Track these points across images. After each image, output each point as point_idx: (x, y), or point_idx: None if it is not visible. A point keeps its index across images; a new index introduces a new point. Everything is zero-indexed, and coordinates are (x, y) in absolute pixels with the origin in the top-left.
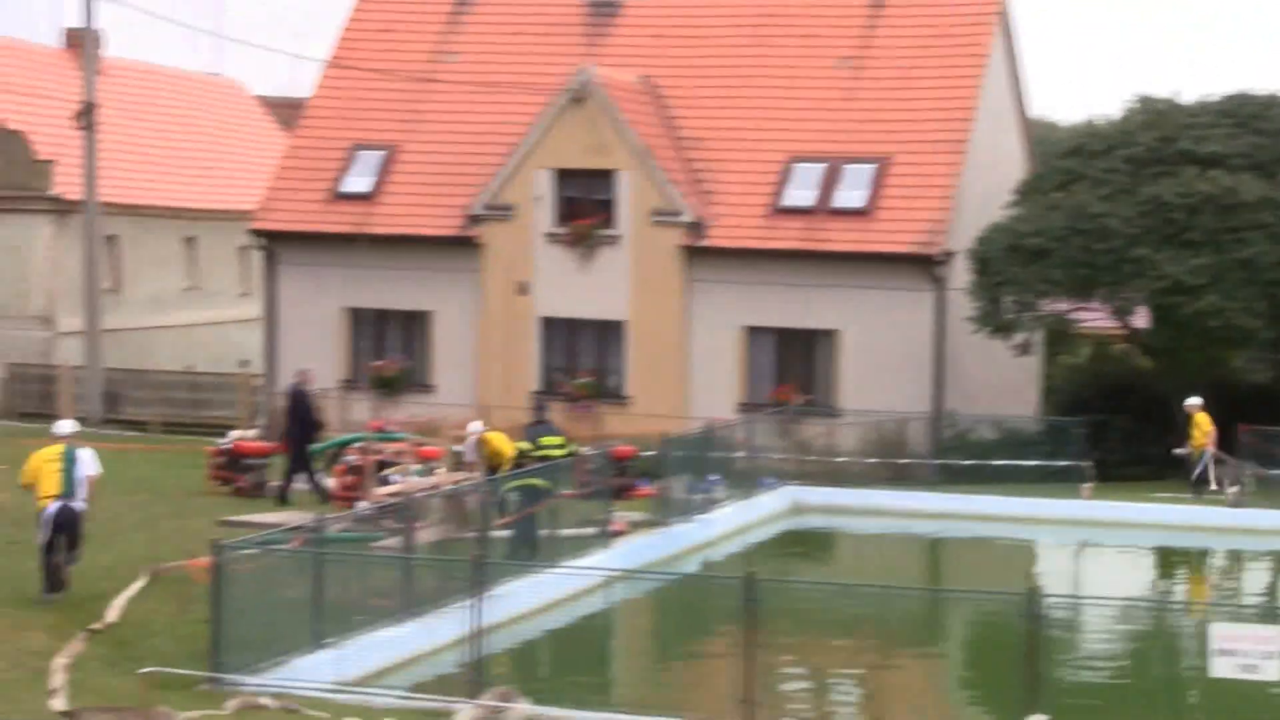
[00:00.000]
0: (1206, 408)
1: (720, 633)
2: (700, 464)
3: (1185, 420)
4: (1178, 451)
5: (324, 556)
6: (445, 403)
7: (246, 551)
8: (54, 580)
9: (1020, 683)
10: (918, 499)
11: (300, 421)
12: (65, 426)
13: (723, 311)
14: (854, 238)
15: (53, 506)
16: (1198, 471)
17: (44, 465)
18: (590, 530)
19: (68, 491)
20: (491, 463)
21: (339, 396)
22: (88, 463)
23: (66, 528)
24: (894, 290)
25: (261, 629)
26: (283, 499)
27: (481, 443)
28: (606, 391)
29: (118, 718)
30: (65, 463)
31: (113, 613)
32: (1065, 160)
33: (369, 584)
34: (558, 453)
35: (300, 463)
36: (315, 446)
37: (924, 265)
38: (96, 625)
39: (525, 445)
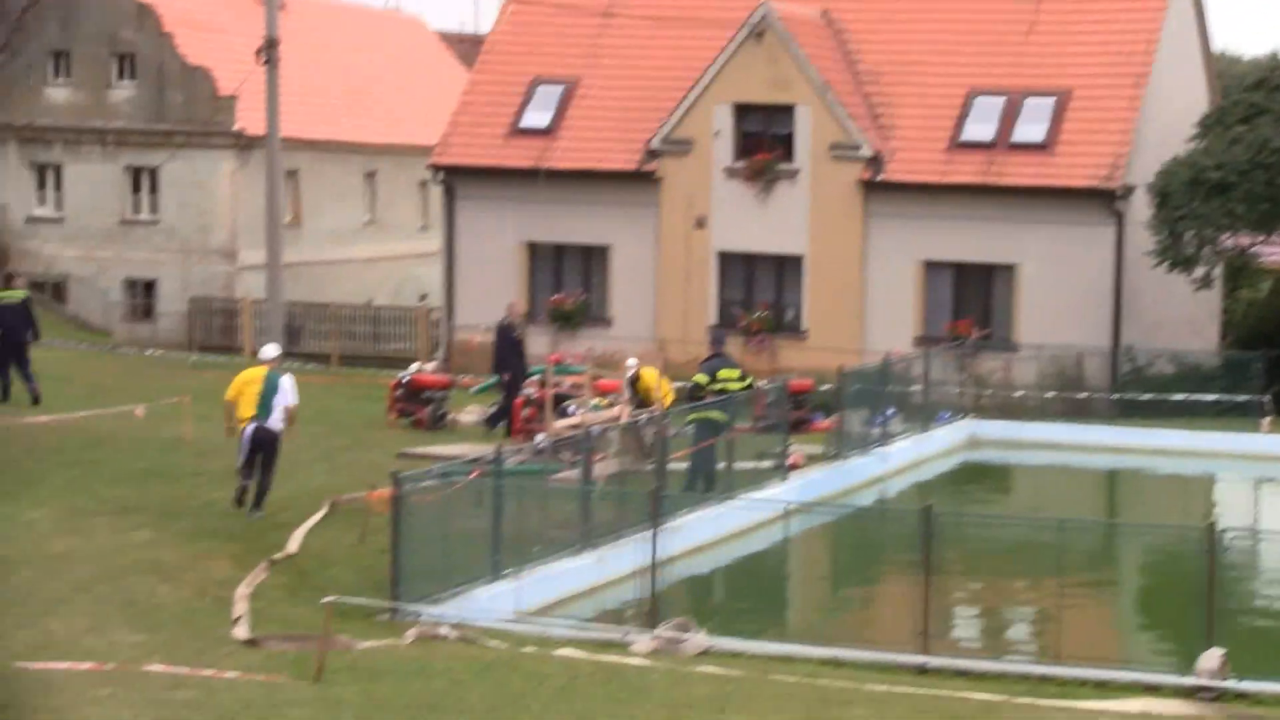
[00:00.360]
0: None
1: (896, 565)
2: (877, 398)
3: None
4: None
5: (503, 488)
6: (623, 336)
7: (426, 483)
8: (241, 498)
9: (1197, 617)
10: (1095, 433)
11: (512, 354)
12: (270, 351)
13: (901, 246)
14: (1034, 172)
15: (250, 428)
16: None
17: (245, 387)
18: (767, 463)
19: (263, 414)
20: (644, 399)
21: (518, 328)
22: (287, 391)
23: (262, 448)
24: (1073, 225)
25: (440, 560)
26: (493, 425)
27: (634, 380)
28: (783, 325)
29: (298, 646)
30: (265, 387)
31: (294, 543)
32: (1249, 94)
33: (547, 516)
34: (735, 386)
35: (512, 395)
36: (485, 383)
37: (1104, 199)
38: (278, 555)
39: (702, 379)
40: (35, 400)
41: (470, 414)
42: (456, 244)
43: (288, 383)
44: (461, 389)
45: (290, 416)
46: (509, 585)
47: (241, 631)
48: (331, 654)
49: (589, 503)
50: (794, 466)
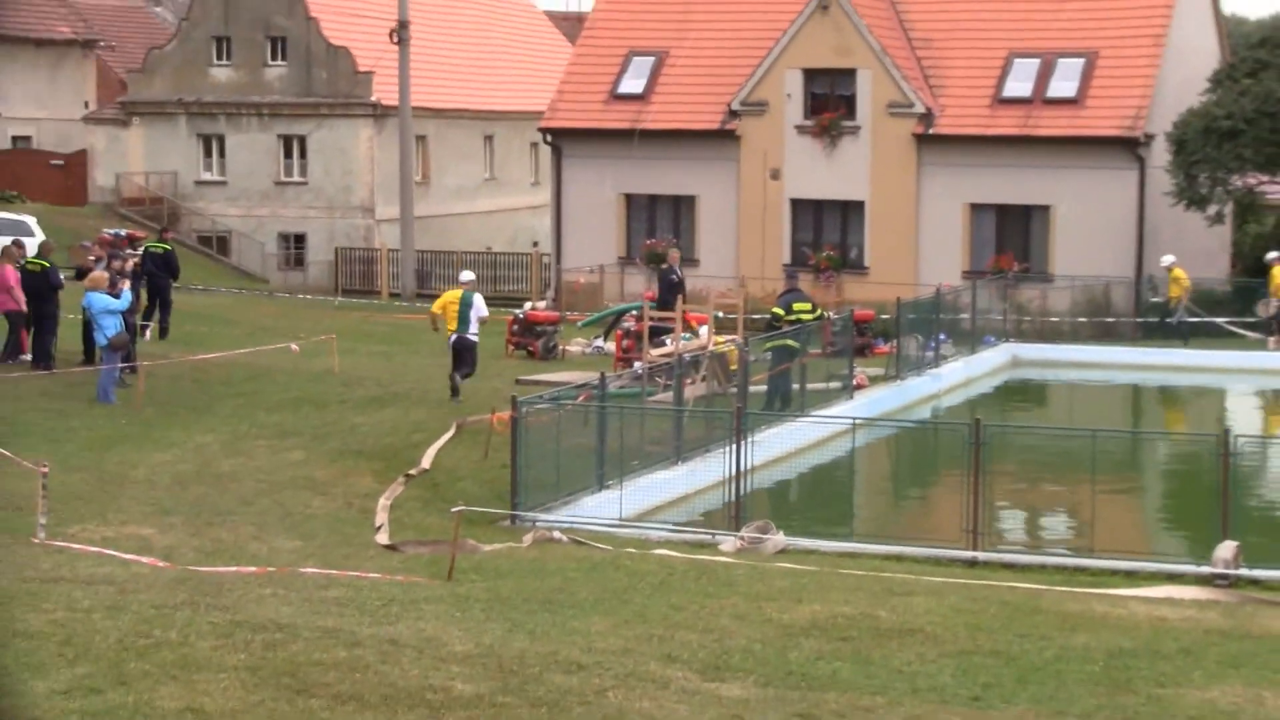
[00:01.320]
0: None
1: (949, 472)
2: (930, 325)
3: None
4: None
5: (606, 410)
6: (709, 274)
7: (540, 406)
8: (454, 389)
9: (1213, 514)
10: (1121, 353)
11: (670, 294)
12: (466, 275)
13: (949, 191)
14: (1066, 124)
15: (453, 337)
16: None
17: (448, 305)
18: (835, 384)
19: (462, 327)
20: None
21: (618, 271)
22: (479, 306)
23: (464, 353)
24: (1101, 169)
25: (552, 474)
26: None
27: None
28: (848, 263)
29: (432, 549)
30: (462, 304)
31: (427, 460)
32: (1254, 51)
33: (644, 433)
34: (807, 317)
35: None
36: (591, 317)
37: (1128, 147)
38: (413, 471)
39: (779, 310)
40: (163, 335)
41: (577, 345)
42: (563, 197)
43: (479, 299)
44: (569, 324)
45: (480, 324)
46: (612, 494)
47: (383, 538)
48: (460, 556)
49: (681, 421)
50: (859, 387)
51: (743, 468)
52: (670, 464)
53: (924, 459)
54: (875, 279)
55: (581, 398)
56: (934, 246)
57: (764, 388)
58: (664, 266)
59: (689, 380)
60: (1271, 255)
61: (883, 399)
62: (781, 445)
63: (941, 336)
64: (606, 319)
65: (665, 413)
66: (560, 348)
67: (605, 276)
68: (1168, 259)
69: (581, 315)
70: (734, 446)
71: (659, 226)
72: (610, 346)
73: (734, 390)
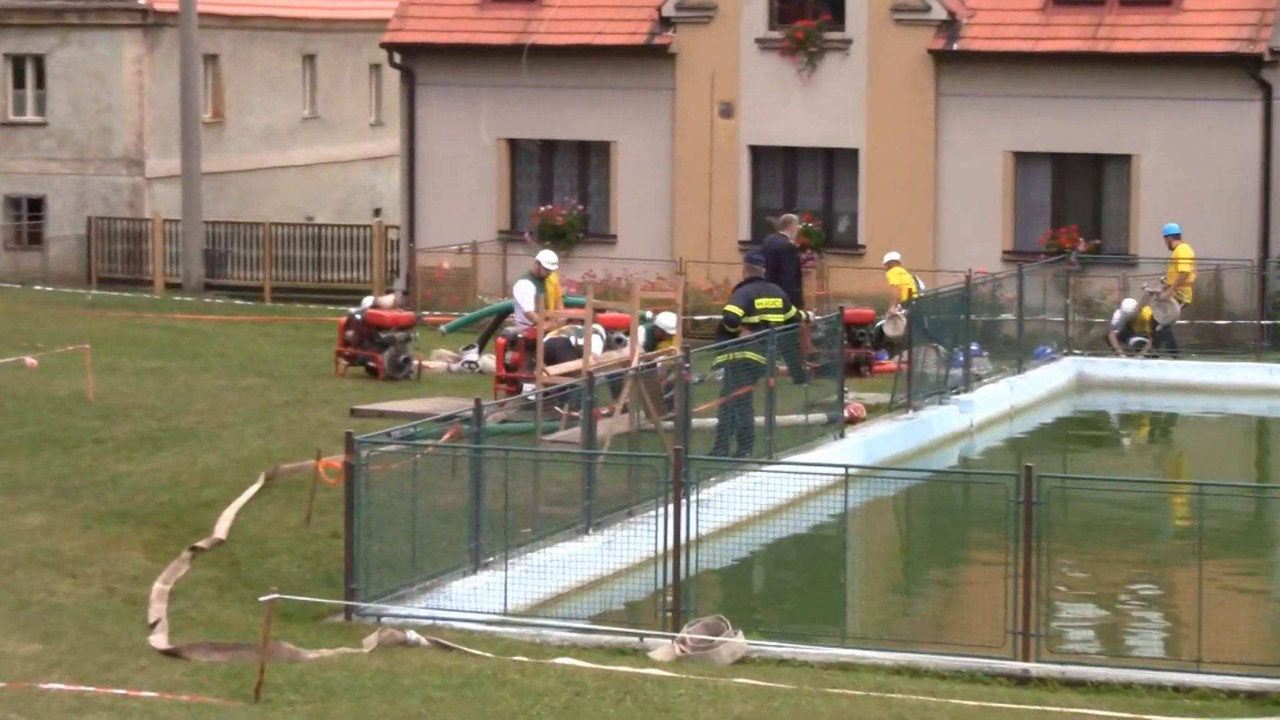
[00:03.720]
0: None
1: (986, 545)
2: (957, 329)
3: None
4: None
5: (483, 454)
6: (630, 257)
7: (386, 448)
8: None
9: None
10: (1239, 371)
11: (798, 284)
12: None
13: (983, 134)
14: (1154, 34)
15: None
16: None
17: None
18: (819, 416)
19: None
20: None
21: (496, 252)
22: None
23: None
24: (1207, 101)
25: (406, 546)
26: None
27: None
28: (834, 239)
29: (231, 657)
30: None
31: (222, 526)
32: None
33: (540, 489)
34: (776, 318)
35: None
36: (461, 319)
37: (1247, 67)
38: (202, 543)
39: (735, 309)
40: None
41: (440, 359)
42: (418, 144)
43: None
44: (428, 328)
45: None
46: (493, 577)
47: (159, 639)
48: (273, 667)
49: (593, 470)
50: (852, 420)
51: (684, 538)
52: (578, 533)
53: (950, 526)
54: (875, 262)
55: (447, 435)
56: (961, 216)
57: (714, 421)
58: (777, 240)
59: (604, 410)
60: None
61: (888, 438)
62: (740, 505)
63: (974, 348)
64: (483, 321)
65: (570, 459)
66: (415, 362)
67: (480, 260)
68: None
69: (446, 316)
70: (671, 507)
71: (558, 186)
72: (488, 361)
73: (669, 425)
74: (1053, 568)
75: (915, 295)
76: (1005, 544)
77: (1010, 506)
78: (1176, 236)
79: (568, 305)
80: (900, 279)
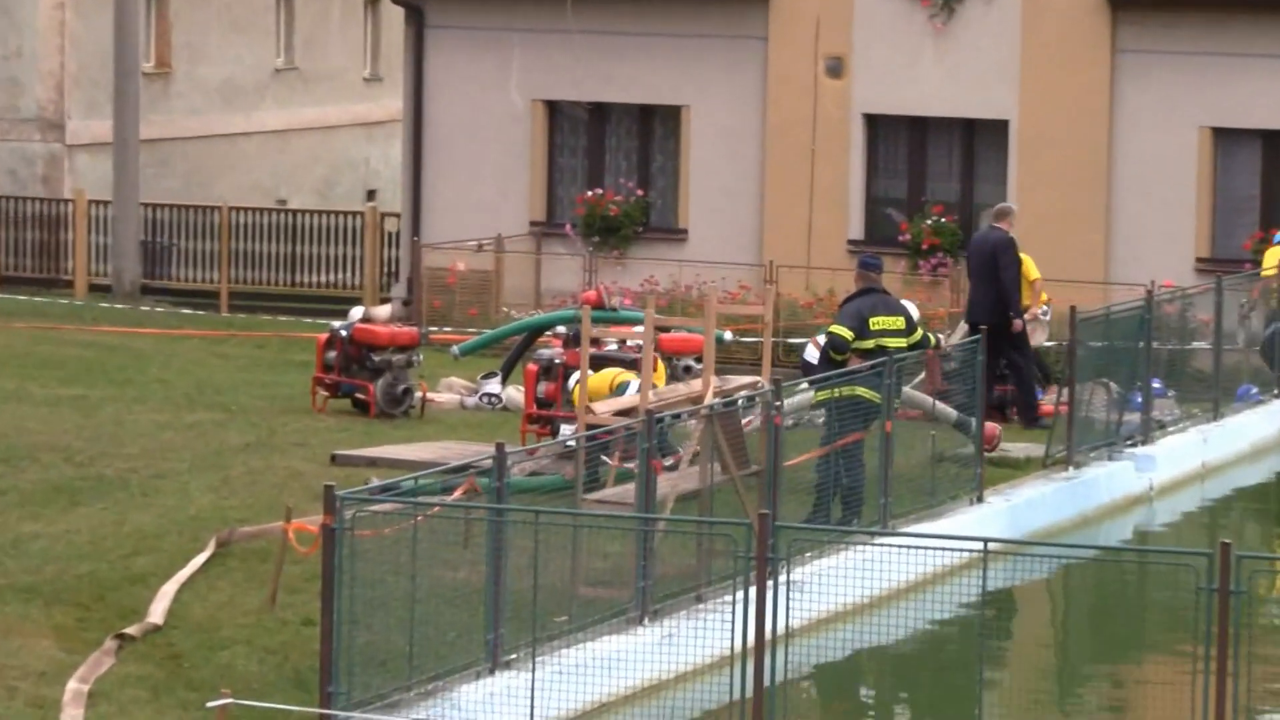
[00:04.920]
0: None
1: (1172, 644)
2: (1134, 361)
3: None
4: None
5: (504, 520)
6: (705, 260)
7: (378, 507)
8: None
9: None
10: None
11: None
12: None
13: (1173, 104)
14: None
15: None
16: None
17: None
18: (953, 471)
19: None
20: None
21: (528, 250)
22: None
23: None
24: None
25: (403, 637)
26: (1030, 422)
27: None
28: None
29: None
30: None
31: (158, 608)
32: None
33: (579, 565)
34: (897, 342)
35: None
36: (480, 338)
37: None
38: (132, 629)
39: (843, 331)
40: None
41: (451, 391)
42: (427, 106)
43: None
44: (436, 348)
45: None
46: (517, 679)
47: None
48: None
49: (650, 541)
50: (988, 442)
51: (770, 631)
52: (629, 623)
53: (1120, 619)
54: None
55: (459, 492)
56: (1142, 211)
57: (814, 477)
58: (993, 233)
59: (666, 461)
60: None
61: (1041, 503)
62: (845, 589)
63: (1155, 385)
64: (509, 341)
65: (621, 525)
66: (418, 395)
67: (507, 261)
68: None
69: (461, 335)
70: (753, 591)
71: (611, 165)
72: (514, 394)
73: (753, 480)
74: (1254, 674)
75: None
76: (1193, 643)
77: (1201, 595)
78: None
79: (617, 322)
80: None
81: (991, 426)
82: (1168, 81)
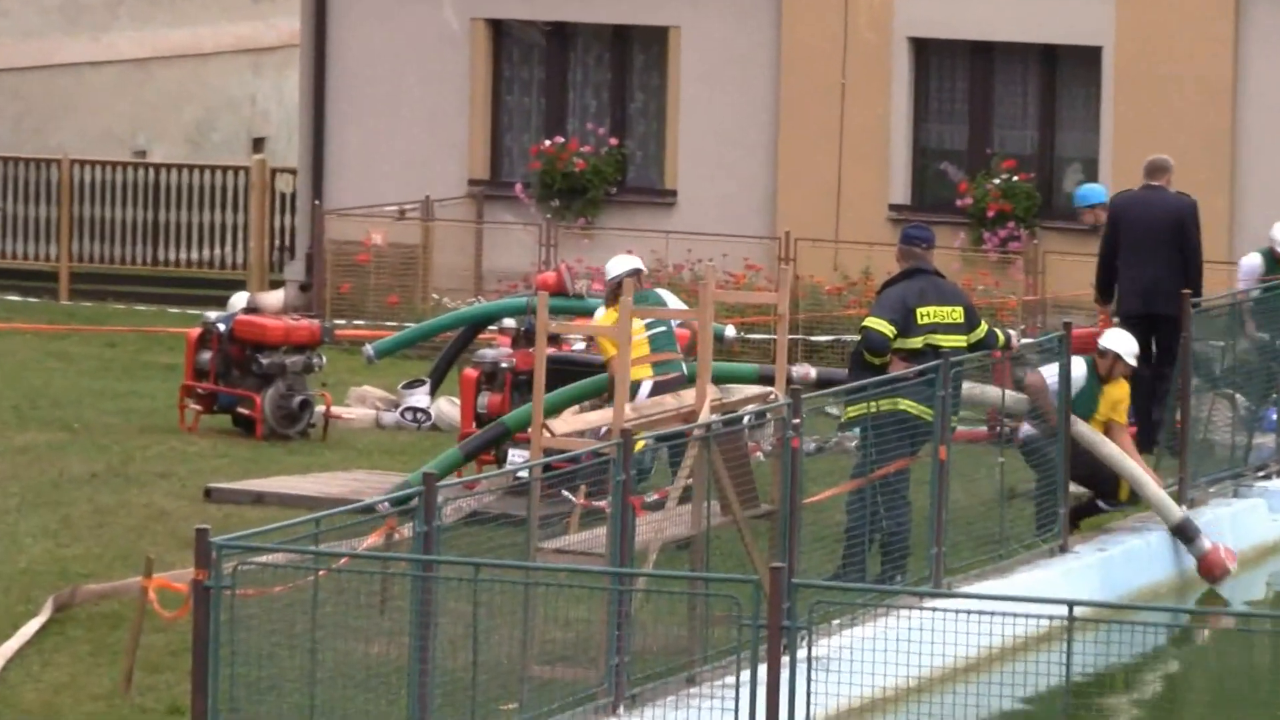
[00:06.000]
0: None
1: None
2: (1268, 366)
3: None
4: None
5: (436, 575)
6: (700, 231)
7: (267, 558)
8: None
9: None
10: None
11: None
12: (623, 266)
13: None
14: None
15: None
16: None
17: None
18: (1025, 513)
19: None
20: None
21: (466, 219)
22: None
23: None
24: None
25: None
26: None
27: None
28: (1057, 205)
29: None
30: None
31: None
32: None
33: (533, 635)
34: (954, 340)
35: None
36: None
37: None
38: None
39: (883, 326)
40: None
41: (364, 403)
42: (332, 30)
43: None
44: (344, 348)
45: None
46: None
47: None
48: None
49: (627, 604)
50: (1210, 571)
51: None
52: (599, 712)
53: (1248, 699)
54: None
55: (373, 538)
56: (1275, 165)
57: (845, 521)
58: (1170, 194)
59: (651, 497)
60: None
61: (1143, 554)
62: (886, 667)
63: None
64: (440, 338)
65: (588, 584)
66: (320, 409)
67: (437, 232)
68: None
69: (377, 331)
70: (763, 670)
71: (576, 106)
72: (446, 408)
73: (763, 523)
74: None
75: None
76: None
77: None
78: None
79: (585, 313)
80: None
81: (1218, 557)
82: None
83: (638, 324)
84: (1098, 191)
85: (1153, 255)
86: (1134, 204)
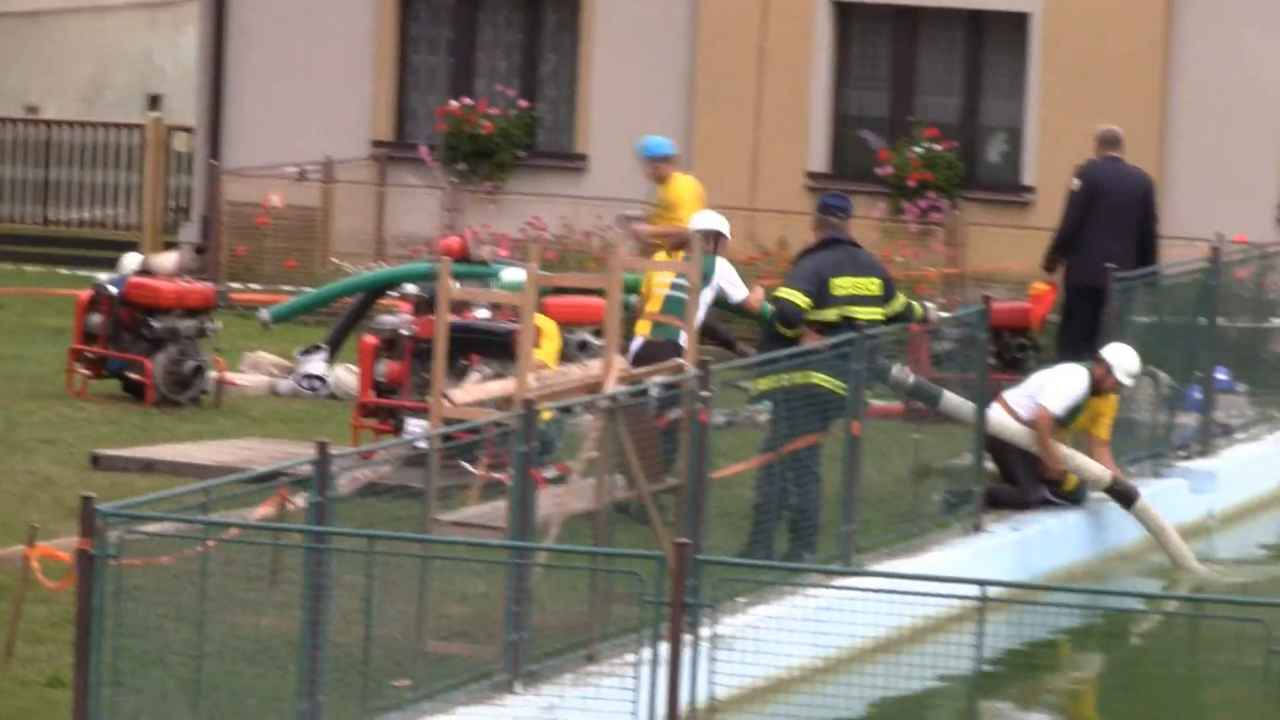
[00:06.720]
0: None
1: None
2: (1191, 343)
3: None
4: None
5: (329, 546)
6: (610, 196)
7: (155, 528)
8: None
9: None
10: None
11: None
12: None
13: None
14: None
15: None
16: None
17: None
18: (938, 492)
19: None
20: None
21: (368, 180)
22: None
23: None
24: None
25: (186, 703)
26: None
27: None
28: (979, 174)
29: None
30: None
31: None
32: None
33: (428, 609)
34: (870, 313)
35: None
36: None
37: None
38: None
39: (797, 296)
40: None
41: (259, 370)
42: None
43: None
44: (240, 313)
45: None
46: None
47: None
48: None
49: (527, 579)
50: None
51: (689, 704)
52: (496, 689)
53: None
54: (1052, 216)
55: (265, 509)
56: (1210, 140)
57: (753, 497)
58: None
59: (551, 472)
60: None
61: (1060, 535)
62: (793, 647)
63: (1221, 376)
64: (339, 304)
65: (485, 558)
66: (214, 375)
67: (339, 194)
68: None
69: (274, 295)
70: (665, 649)
71: (483, 66)
72: (344, 376)
73: (669, 498)
74: None
75: None
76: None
77: (1274, 660)
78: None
79: (488, 274)
80: None
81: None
82: None
83: (661, 279)
84: (663, 144)
85: (1121, 230)
86: (1108, 176)
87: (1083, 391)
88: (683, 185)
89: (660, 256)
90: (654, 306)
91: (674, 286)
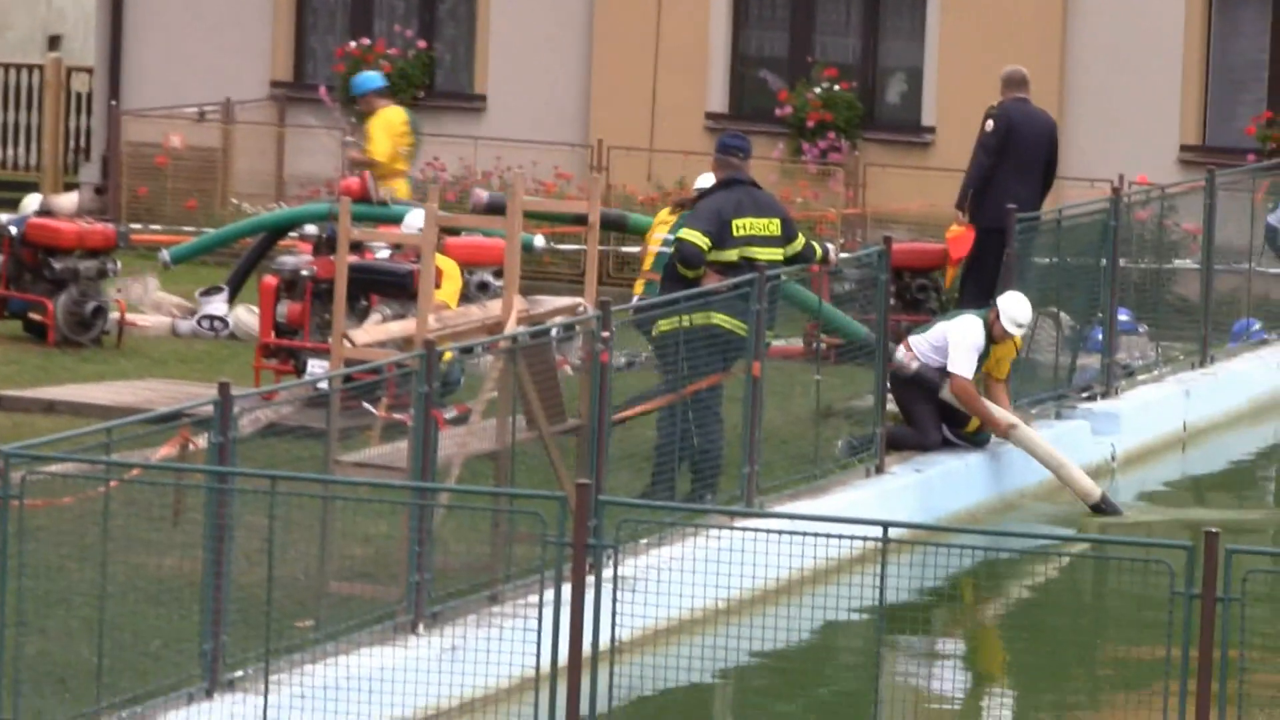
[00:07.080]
0: None
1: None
2: (1093, 285)
3: None
4: None
5: (232, 487)
6: (510, 137)
7: (55, 467)
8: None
9: None
10: None
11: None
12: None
13: None
14: None
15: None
16: None
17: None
18: (841, 437)
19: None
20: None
21: (268, 121)
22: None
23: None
24: None
25: (89, 645)
26: None
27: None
28: (878, 115)
29: None
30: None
31: None
32: None
33: (332, 549)
34: (770, 253)
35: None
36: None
37: None
38: None
39: (696, 237)
40: None
41: (160, 310)
42: None
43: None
44: (140, 254)
45: None
46: (243, 704)
47: None
48: None
49: (429, 520)
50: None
51: (590, 644)
52: (398, 630)
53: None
54: (946, 156)
55: (166, 449)
56: (1109, 82)
57: (655, 438)
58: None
59: (451, 413)
60: None
61: (962, 476)
62: (695, 588)
63: (1123, 317)
64: (239, 244)
65: (387, 499)
66: (115, 316)
67: (239, 135)
68: None
69: (174, 236)
70: (568, 590)
71: (384, 6)
72: (245, 317)
73: (570, 439)
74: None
75: None
76: (1165, 662)
77: (1177, 602)
78: None
79: (388, 221)
80: None
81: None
82: None
83: (656, 236)
84: (369, 79)
85: (1029, 172)
86: (1023, 118)
87: (982, 342)
88: (378, 120)
89: (662, 216)
90: (647, 264)
91: (665, 243)
